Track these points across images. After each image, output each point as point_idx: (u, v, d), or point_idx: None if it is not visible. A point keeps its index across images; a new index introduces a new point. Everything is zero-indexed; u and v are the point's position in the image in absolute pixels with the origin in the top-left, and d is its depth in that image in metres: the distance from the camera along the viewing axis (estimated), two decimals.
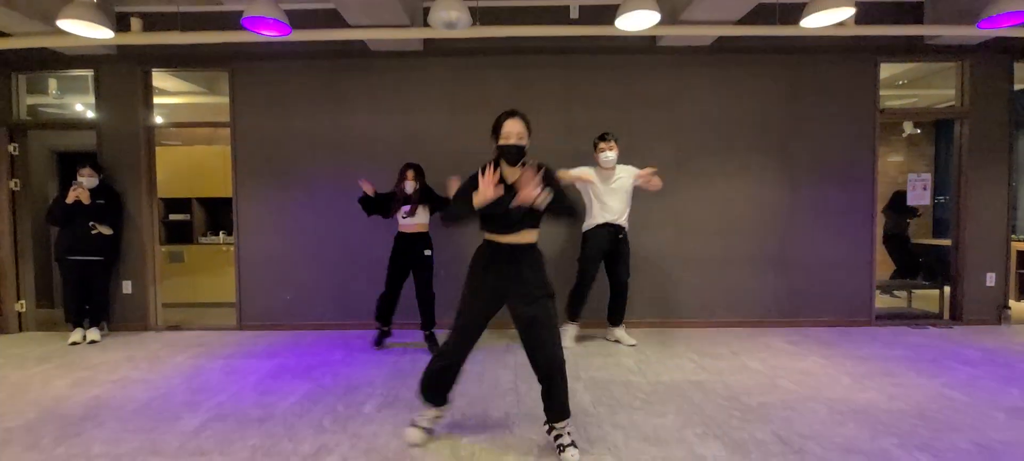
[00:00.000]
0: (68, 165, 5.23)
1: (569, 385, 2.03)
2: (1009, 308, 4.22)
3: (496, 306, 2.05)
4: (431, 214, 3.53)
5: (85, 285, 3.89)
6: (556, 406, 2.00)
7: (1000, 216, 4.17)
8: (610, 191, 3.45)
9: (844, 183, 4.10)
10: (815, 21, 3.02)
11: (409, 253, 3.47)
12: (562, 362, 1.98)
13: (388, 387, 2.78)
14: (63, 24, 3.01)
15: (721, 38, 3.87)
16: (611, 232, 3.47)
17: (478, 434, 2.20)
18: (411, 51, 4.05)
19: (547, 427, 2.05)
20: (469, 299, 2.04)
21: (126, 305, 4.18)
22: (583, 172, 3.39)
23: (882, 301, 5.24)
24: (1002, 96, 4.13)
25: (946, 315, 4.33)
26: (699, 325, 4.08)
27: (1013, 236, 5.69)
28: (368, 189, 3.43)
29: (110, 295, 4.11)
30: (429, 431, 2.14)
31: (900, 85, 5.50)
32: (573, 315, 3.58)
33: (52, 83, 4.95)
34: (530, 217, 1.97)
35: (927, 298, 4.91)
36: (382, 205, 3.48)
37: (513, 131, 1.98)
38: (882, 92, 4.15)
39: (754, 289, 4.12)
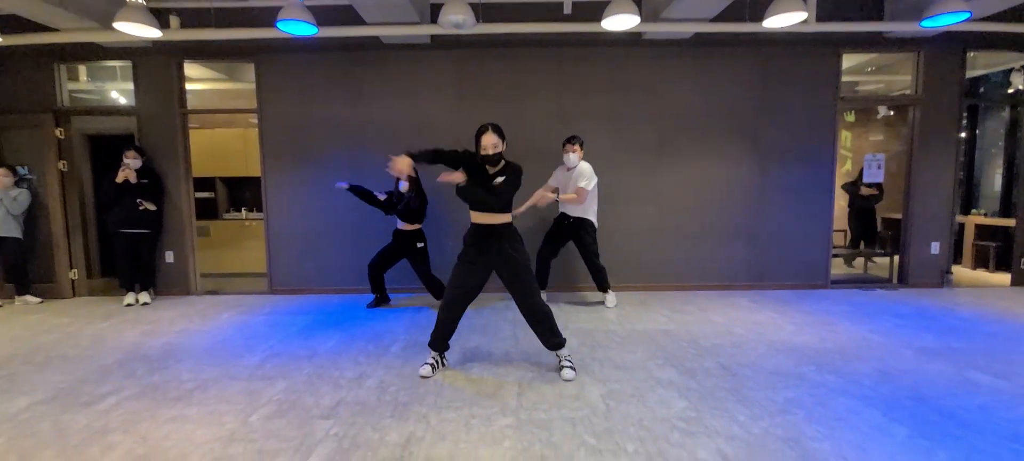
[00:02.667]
0: (99, 148, 5.69)
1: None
2: (951, 273, 4.78)
3: (484, 272, 2.62)
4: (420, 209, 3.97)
5: (135, 255, 4.42)
6: (547, 339, 2.61)
7: (946, 192, 4.70)
8: (566, 189, 3.95)
9: (807, 163, 4.61)
10: (775, 22, 3.48)
11: (404, 245, 4.00)
12: (540, 305, 2.58)
13: (409, 335, 3.34)
14: (119, 26, 3.45)
15: (699, 33, 4.32)
16: (563, 219, 4.00)
17: (484, 365, 2.76)
18: (420, 44, 4.49)
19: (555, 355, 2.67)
20: (460, 266, 2.62)
21: (169, 273, 4.72)
22: (539, 196, 3.90)
23: (843, 268, 5.83)
24: (953, 84, 4.60)
25: (895, 279, 4.89)
26: (675, 288, 4.64)
27: (974, 211, 6.26)
28: (343, 186, 3.95)
29: (156, 264, 4.64)
30: (434, 367, 2.67)
31: (869, 71, 5.96)
32: (538, 282, 4.13)
33: (82, 70, 5.37)
34: (499, 204, 2.53)
35: (884, 266, 5.48)
36: (370, 199, 3.98)
37: (489, 142, 2.51)
38: (855, 77, 4.62)
39: (724, 257, 4.67)
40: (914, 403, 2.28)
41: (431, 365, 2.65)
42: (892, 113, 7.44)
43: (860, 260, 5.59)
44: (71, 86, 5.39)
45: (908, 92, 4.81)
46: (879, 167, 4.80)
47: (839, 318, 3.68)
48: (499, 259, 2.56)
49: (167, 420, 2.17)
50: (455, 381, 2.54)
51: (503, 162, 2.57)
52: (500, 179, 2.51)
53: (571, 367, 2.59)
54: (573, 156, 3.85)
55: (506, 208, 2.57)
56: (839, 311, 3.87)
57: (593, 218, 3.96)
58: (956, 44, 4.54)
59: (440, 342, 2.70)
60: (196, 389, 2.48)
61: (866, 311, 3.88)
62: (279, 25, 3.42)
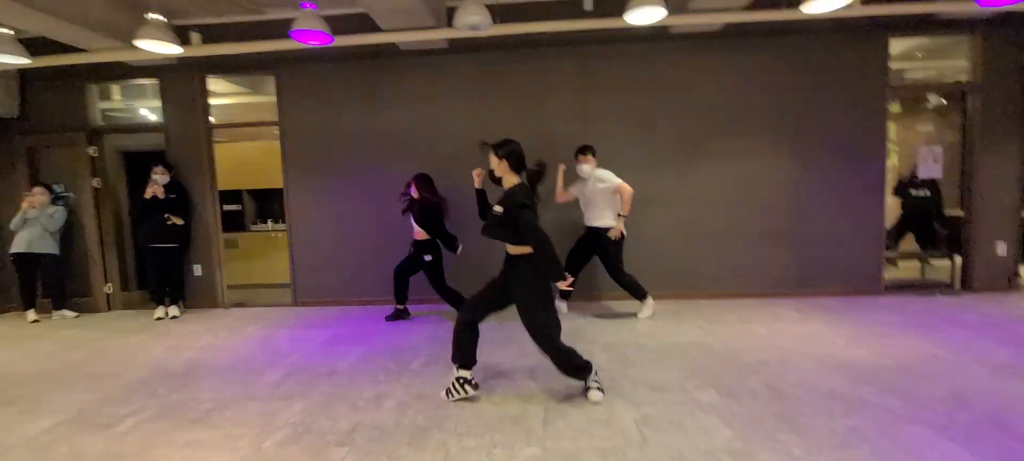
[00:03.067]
0: (133, 164, 5.84)
1: (587, 346, 2.45)
2: (1019, 276, 4.33)
3: (501, 296, 2.41)
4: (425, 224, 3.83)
5: (164, 269, 4.48)
6: (565, 372, 2.39)
7: (1012, 186, 4.26)
8: (585, 199, 3.78)
9: (853, 158, 4.27)
10: (815, 7, 3.20)
11: (415, 256, 3.90)
12: (546, 347, 2.34)
13: (430, 350, 3.22)
14: (140, 43, 3.48)
15: (730, 24, 4.06)
16: (588, 230, 3.81)
17: (508, 383, 2.60)
18: (437, 49, 4.39)
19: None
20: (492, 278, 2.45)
21: (197, 286, 4.78)
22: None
23: (895, 272, 5.38)
24: (1015, 68, 4.18)
25: (957, 284, 4.47)
26: (710, 296, 4.37)
27: None
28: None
29: (185, 277, 4.70)
30: (475, 387, 2.47)
31: (918, 57, 5.50)
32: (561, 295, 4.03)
33: (114, 89, 5.54)
34: (503, 234, 2.32)
35: (942, 269, 5.04)
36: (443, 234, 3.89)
37: (491, 163, 2.36)
38: (901, 64, 4.25)
39: (764, 262, 4.37)
40: (996, 432, 1.99)
41: (471, 386, 2.46)
42: (945, 102, 6.90)
43: (910, 262, 5.13)
44: (104, 105, 5.56)
45: (964, 78, 4.40)
46: (936, 161, 4.39)
47: (897, 329, 3.35)
48: (508, 292, 2.38)
49: (182, 444, 2.11)
50: (477, 402, 2.40)
51: (514, 183, 2.34)
52: (498, 209, 2.30)
53: (599, 389, 2.39)
54: (586, 167, 3.70)
55: (513, 240, 2.32)
56: (896, 321, 3.53)
57: (611, 222, 3.74)
58: (1017, 25, 4.12)
59: (463, 355, 2.48)
60: (214, 410, 2.42)
61: (928, 321, 3.53)
62: (293, 36, 3.37)
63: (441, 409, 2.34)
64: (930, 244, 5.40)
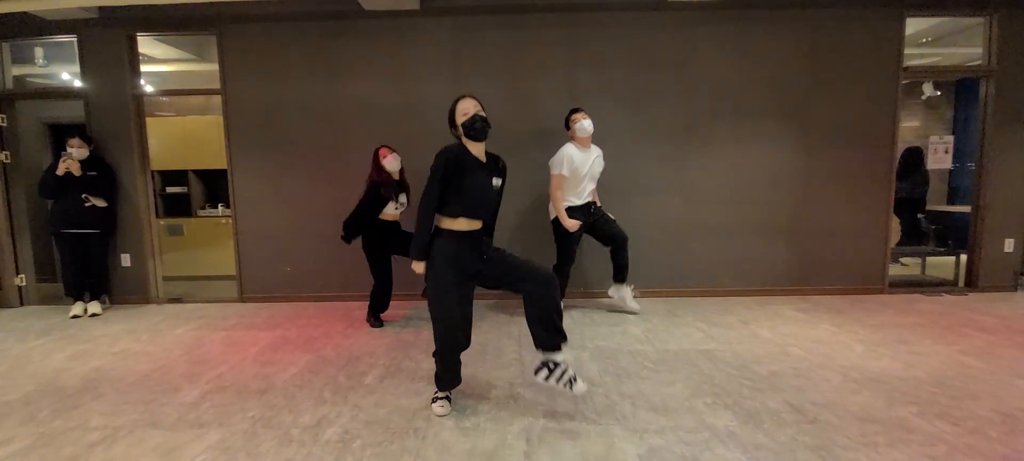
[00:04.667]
0: (61, 136, 5.11)
1: (574, 353, 1.99)
2: None
3: (469, 282, 2.04)
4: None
5: (83, 258, 3.83)
6: (549, 331, 1.94)
7: (1023, 181, 4.01)
8: (586, 171, 3.25)
9: (861, 147, 3.93)
10: None
11: (394, 239, 3.28)
12: (536, 268, 1.97)
13: (390, 358, 2.72)
14: None
15: None
16: (584, 211, 3.32)
17: (482, 405, 2.14)
18: (407, 10, 3.84)
19: (545, 370, 1.97)
20: (445, 288, 2.00)
21: (126, 278, 4.14)
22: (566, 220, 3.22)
23: (892, 268, 5.15)
24: None
25: (961, 282, 4.22)
26: (706, 294, 4.00)
27: None
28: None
29: (109, 268, 4.06)
30: (449, 399, 2.09)
31: (924, 43, 5.24)
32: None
33: (38, 51, 4.79)
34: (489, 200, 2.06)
35: (940, 265, 4.81)
36: (366, 219, 3.22)
37: (470, 106, 1.98)
38: (907, 49, 3.93)
39: (764, 257, 4.02)
40: None
41: (446, 399, 2.09)
42: (938, 93, 6.71)
43: (908, 259, 4.90)
44: (25, 70, 4.82)
45: (979, 63, 4.11)
46: (946, 151, 4.11)
47: (914, 333, 3.02)
48: (484, 264, 2.02)
49: None
50: (442, 430, 1.93)
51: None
52: (498, 182, 2.07)
53: (577, 379, 1.96)
54: (587, 123, 3.19)
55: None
56: (910, 324, 3.22)
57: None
58: None
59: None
60: (100, 443, 1.88)
61: (942, 323, 3.23)
62: None
63: (396, 441, 1.86)
64: (915, 239, 5.18)
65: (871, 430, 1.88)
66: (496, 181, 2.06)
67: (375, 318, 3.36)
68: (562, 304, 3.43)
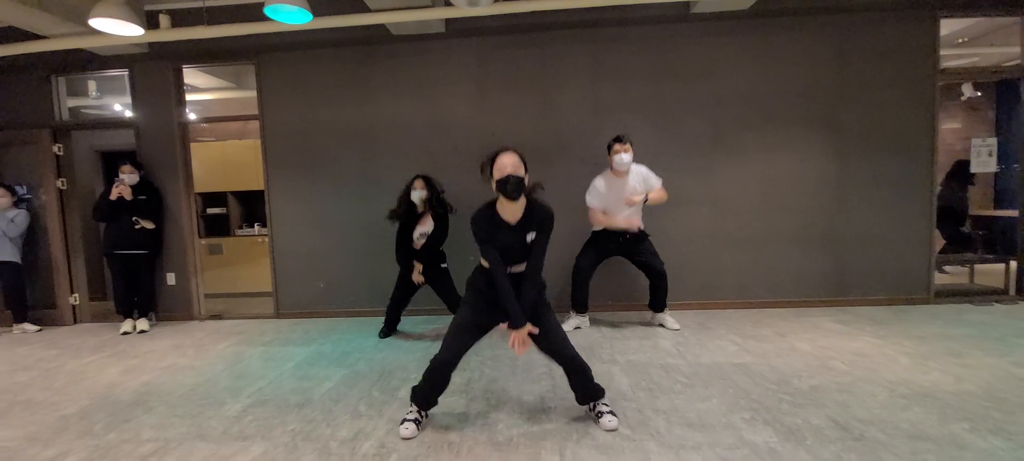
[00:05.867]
0: (112, 163, 5.44)
1: (604, 367, 2.01)
2: None
3: (493, 322, 2.10)
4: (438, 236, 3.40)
5: (132, 278, 4.05)
6: (582, 392, 2.11)
7: None
8: (618, 201, 3.27)
9: (899, 152, 3.81)
10: None
11: (425, 268, 3.39)
12: (575, 354, 2.06)
13: (421, 373, 2.75)
14: (95, 22, 3.07)
15: (760, 3, 3.62)
16: (615, 236, 3.34)
17: (513, 418, 2.15)
18: (433, 34, 3.97)
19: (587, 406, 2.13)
20: (470, 310, 2.10)
21: (171, 296, 4.34)
22: (599, 217, 3.28)
23: (942, 278, 4.92)
24: None
25: (1011, 290, 4.00)
26: (739, 306, 3.91)
27: None
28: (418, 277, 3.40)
29: (156, 287, 4.27)
30: (419, 424, 2.09)
31: (959, 43, 5.06)
32: (575, 306, 3.49)
33: (91, 84, 5.14)
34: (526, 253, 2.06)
35: (989, 273, 4.57)
36: (398, 242, 3.43)
37: (508, 164, 1.92)
38: (941, 51, 3.81)
39: (799, 268, 3.91)
40: None
41: (415, 422, 2.07)
42: (979, 94, 6.44)
43: (951, 267, 4.67)
44: (78, 101, 5.18)
45: (1018, 62, 3.94)
46: (990, 154, 3.93)
47: (964, 345, 2.88)
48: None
49: None
50: (476, 445, 1.95)
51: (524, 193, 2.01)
52: (531, 236, 2.04)
53: (612, 413, 2.05)
54: (627, 157, 3.20)
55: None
56: (959, 335, 3.07)
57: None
58: None
59: (428, 398, 2.13)
60: (152, 455, 1.97)
61: (992, 334, 3.06)
62: (268, 11, 2.95)
63: (431, 454, 1.89)
64: (959, 246, 4.95)
65: (922, 448, 1.79)
66: (530, 236, 2.02)
67: (384, 327, 3.53)
68: (581, 318, 3.48)
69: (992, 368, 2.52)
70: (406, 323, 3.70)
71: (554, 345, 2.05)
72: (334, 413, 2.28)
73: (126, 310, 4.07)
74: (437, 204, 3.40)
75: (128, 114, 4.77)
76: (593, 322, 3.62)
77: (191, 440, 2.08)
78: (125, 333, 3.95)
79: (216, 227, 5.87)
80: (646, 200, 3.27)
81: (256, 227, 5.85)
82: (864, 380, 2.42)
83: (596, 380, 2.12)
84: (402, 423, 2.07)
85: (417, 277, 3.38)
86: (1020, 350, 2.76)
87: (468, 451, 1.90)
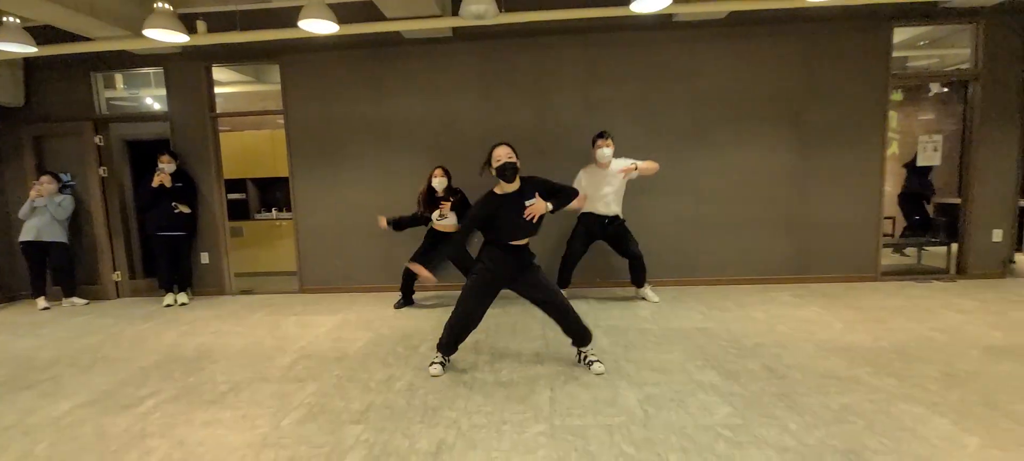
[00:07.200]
0: (136, 153, 5.87)
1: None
2: (1014, 261, 4.41)
3: (503, 285, 2.64)
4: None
5: (172, 257, 4.54)
6: (577, 335, 2.62)
7: (1009, 174, 4.31)
8: (604, 186, 3.75)
9: (854, 146, 4.31)
10: None
11: (442, 238, 3.85)
12: (564, 301, 2.63)
13: (436, 335, 3.22)
14: (148, 32, 3.50)
15: (735, 12, 4.07)
16: (599, 221, 3.82)
17: (514, 366, 2.68)
18: (442, 38, 4.40)
19: (577, 354, 2.68)
20: (488, 273, 2.58)
21: (205, 273, 4.84)
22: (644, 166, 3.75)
23: (893, 259, 5.47)
24: (1016, 58, 4.20)
25: (952, 270, 4.54)
26: (711, 283, 4.45)
27: None
28: (382, 223, 3.91)
29: (192, 265, 4.76)
30: (444, 366, 2.66)
31: (921, 45, 5.52)
32: (560, 283, 4.00)
33: (118, 79, 5.55)
34: (532, 228, 2.56)
35: (938, 255, 5.11)
36: (411, 221, 3.91)
37: (503, 154, 2.48)
38: (906, 52, 4.28)
39: (764, 249, 4.44)
40: (986, 410, 2.07)
41: (441, 365, 2.64)
42: (946, 89, 6.92)
43: (912, 249, 5.22)
44: (108, 94, 5.59)
45: (966, 66, 4.43)
46: (936, 149, 4.44)
47: (894, 314, 3.42)
48: (523, 275, 2.62)
49: (202, 424, 2.19)
50: (485, 384, 2.48)
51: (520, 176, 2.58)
52: (531, 200, 2.53)
53: (599, 362, 2.59)
54: (608, 151, 3.69)
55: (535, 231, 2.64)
56: (893, 306, 3.61)
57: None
58: (1018, 15, 4.14)
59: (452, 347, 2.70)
60: (229, 392, 2.49)
61: (924, 306, 3.60)
62: (302, 25, 3.39)
63: (451, 389, 2.42)
64: (923, 229, 5.50)
65: (828, 383, 2.34)
66: (528, 201, 2.49)
67: (402, 299, 4.04)
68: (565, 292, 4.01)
69: (910, 331, 3.06)
70: (416, 299, 4.23)
71: (546, 296, 2.58)
72: (368, 363, 2.80)
73: (168, 286, 4.57)
74: (454, 191, 3.87)
75: (156, 106, 5.21)
76: (582, 297, 4.14)
77: (257, 382, 2.60)
78: (168, 305, 4.45)
79: (236, 212, 6.33)
80: (635, 169, 3.74)
81: (273, 212, 6.32)
82: (800, 340, 2.96)
83: (591, 350, 2.67)
84: (430, 365, 2.63)
85: (446, 211, 3.76)
86: (941, 319, 3.30)
87: (479, 388, 2.43)
